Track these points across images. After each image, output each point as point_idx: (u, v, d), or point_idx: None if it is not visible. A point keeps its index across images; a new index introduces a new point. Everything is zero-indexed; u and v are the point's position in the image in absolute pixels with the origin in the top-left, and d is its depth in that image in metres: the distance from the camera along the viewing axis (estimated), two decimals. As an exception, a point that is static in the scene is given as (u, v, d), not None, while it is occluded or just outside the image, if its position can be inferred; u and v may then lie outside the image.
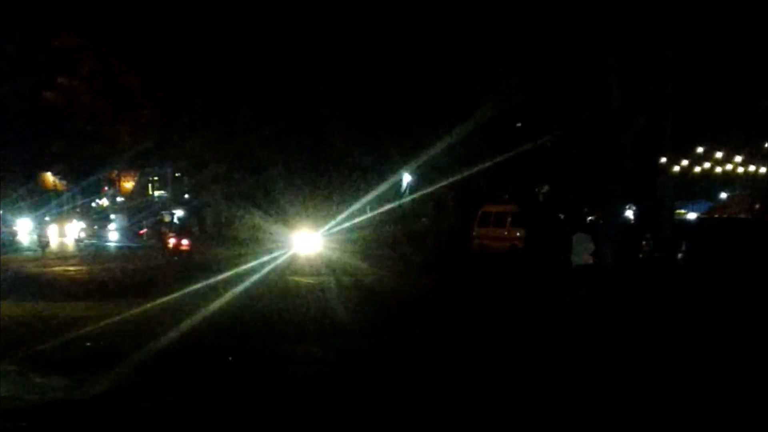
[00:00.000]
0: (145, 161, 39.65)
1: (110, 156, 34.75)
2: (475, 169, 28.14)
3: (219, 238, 36.68)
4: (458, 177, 28.83)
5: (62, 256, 31.11)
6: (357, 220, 29.77)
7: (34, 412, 7.41)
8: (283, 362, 9.76)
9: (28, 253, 31.76)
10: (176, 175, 46.69)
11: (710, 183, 32.39)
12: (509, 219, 28.35)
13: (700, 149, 27.32)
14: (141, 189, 53.35)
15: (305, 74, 26.09)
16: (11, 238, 37.55)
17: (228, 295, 16.16)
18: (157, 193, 53.49)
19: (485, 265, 25.70)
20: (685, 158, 26.69)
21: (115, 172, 49.97)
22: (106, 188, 57.44)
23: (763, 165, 28.16)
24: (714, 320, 13.03)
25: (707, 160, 27.39)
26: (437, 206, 33.59)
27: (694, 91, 22.86)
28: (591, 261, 15.90)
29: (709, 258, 20.55)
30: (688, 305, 14.81)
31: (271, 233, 29.73)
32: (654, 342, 11.36)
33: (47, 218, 44.26)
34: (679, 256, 22.73)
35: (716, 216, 30.29)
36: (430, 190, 31.26)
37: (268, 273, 20.87)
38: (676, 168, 26.05)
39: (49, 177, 50.87)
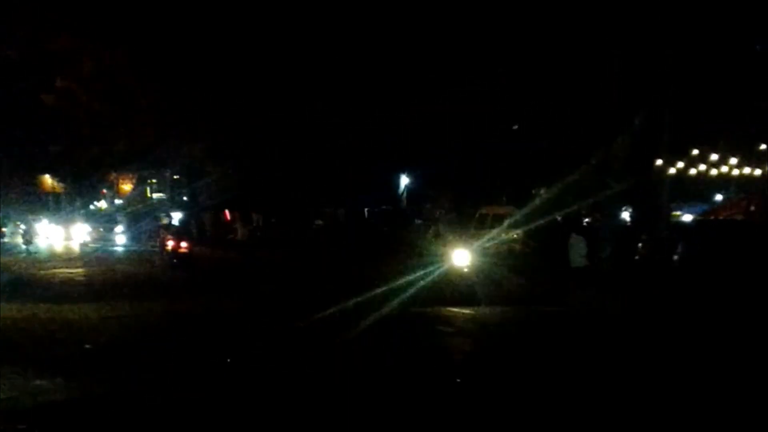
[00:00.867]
0: (144, 164, 39.75)
1: (108, 158, 34.82)
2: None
3: (217, 241, 36.87)
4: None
5: (67, 258, 31.09)
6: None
7: (33, 415, 7.47)
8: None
9: (19, 255, 31.49)
10: (174, 177, 46.73)
11: (706, 185, 32.47)
12: (506, 221, 28.37)
13: (695, 151, 27.35)
14: (139, 192, 53.41)
15: (304, 74, 26.20)
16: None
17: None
18: (155, 195, 53.49)
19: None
20: (681, 160, 26.69)
21: (113, 174, 50.02)
22: (105, 191, 57.46)
23: (758, 167, 28.21)
24: (709, 322, 13.13)
25: (702, 162, 27.40)
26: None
27: (691, 92, 22.93)
28: (586, 263, 16.02)
29: (705, 260, 20.59)
30: (684, 307, 14.90)
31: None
32: (651, 343, 11.48)
33: (32, 218, 43.93)
34: (675, 257, 22.78)
35: (712, 218, 30.36)
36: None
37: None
38: (672, 170, 26.07)
39: (48, 179, 50.96)
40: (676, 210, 33.72)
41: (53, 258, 31.16)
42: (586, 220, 29.98)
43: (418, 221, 35.68)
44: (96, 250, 36.21)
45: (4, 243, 37.39)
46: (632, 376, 9.14)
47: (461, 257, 20.05)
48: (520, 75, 24.65)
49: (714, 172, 27.94)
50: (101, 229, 44.34)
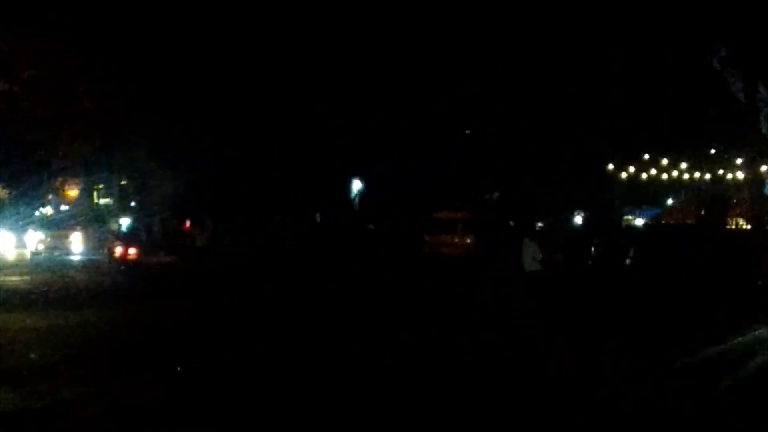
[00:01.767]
0: (90, 169, 38.85)
1: (52, 163, 33.92)
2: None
3: (167, 247, 36.08)
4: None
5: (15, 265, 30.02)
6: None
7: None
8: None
9: None
10: (121, 182, 45.80)
11: (657, 189, 32.82)
12: (459, 225, 28.31)
13: (646, 156, 27.60)
14: (86, 198, 52.17)
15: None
16: None
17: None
18: (102, 201, 52.33)
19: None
20: (632, 164, 26.92)
21: (60, 179, 48.79)
22: (50, 197, 56.01)
23: (709, 172, 28.57)
24: (656, 325, 13.12)
25: (653, 167, 27.68)
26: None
27: (640, 97, 23.08)
28: (538, 268, 15.98)
29: (655, 263, 20.71)
30: (633, 310, 14.90)
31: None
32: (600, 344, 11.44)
33: None
34: (627, 261, 22.88)
35: (663, 222, 30.68)
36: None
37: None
38: (624, 174, 26.27)
39: (-10, 185, 49.48)
40: (628, 214, 34.01)
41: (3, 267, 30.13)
42: (539, 224, 30.05)
43: (370, 226, 35.44)
44: (48, 258, 35.26)
45: None
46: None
47: None
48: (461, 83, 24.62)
49: (665, 176, 28.24)
50: (52, 237, 43.12)
